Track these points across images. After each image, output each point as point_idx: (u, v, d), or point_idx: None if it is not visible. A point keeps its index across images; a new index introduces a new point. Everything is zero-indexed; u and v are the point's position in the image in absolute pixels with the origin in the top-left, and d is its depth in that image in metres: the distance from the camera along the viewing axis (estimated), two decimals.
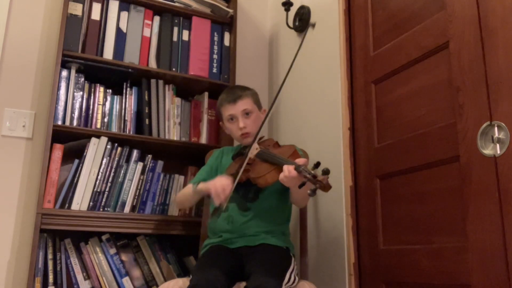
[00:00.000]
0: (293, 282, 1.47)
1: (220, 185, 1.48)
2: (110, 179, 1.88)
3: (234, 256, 1.54)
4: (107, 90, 1.99)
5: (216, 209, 1.53)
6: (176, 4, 2.17)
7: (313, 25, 1.61)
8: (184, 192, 1.76)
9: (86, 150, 1.86)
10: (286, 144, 1.77)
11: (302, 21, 2.18)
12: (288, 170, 1.39)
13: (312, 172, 1.33)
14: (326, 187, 1.31)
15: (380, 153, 1.65)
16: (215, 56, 2.20)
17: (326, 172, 1.32)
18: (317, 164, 1.36)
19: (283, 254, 1.56)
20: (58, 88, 1.87)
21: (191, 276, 1.46)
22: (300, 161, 1.41)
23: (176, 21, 2.17)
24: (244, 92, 1.74)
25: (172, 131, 2.07)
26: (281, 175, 1.41)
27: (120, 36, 2.03)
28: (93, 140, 1.88)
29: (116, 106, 1.99)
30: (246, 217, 1.62)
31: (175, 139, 2.06)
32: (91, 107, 1.94)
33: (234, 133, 1.73)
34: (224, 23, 2.26)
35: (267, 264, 1.44)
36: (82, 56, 1.92)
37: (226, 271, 1.42)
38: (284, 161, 1.47)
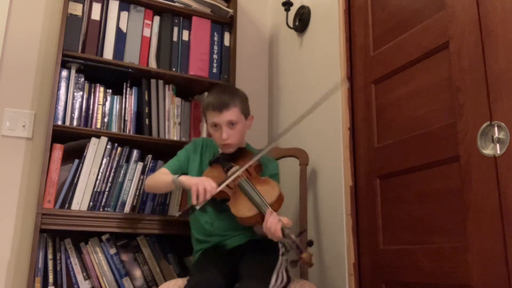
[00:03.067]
0: (282, 280, 1.43)
1: (204, 187, 1.48)
2: (110, 179, 1.88)
3: (229, 257, 1.55)
4: (107, 90, 1.99)
5: (191, 208, 1.50)
6: (176, 4, 2.17)
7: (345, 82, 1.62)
8: (159, 179, 1.71)
9: (86, 150, 1.86)
10: (286, 145, 1.77)
11: (302, 21, 2.18)
12: (274, 229, 1.38)
13: (296, 241, 1.33)
14: (308, 264, 1.31)
15: (380, 153, 1.65)
16: (215, 56, 2.20)
17: (310, 244, 1.34)
18: (301, 233, 1.38)
19: (271, 248, 1.53)
20: (58, 88, 1.87)
21: (188, 277, 1.46)
22: (284, 219, 1.40)
23: (176, 21, 2.17)
24: (232, 100, 1.63)
25: (172, 131, 2.07)
26: (265, 226, 1.40)
27: (120, 36, 2.03)
28: (93, 140, 1.88)
29: (116, 106, 1.99)
30: (223, 218, 1.62)
31: (175, 139, 2.06)
32: (91, 107, 1.94)
33: (216, 139, 1.68)
34: (224, 23, 2.26)
35: (255, 265, 1.45)
36: (82, 56, 1.92)
37: (224, 272, 1.43)
38: (266, 208, 1.45)
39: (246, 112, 1.71)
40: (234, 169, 1.60)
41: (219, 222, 1.63)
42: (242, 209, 1.51)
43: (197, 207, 1.49)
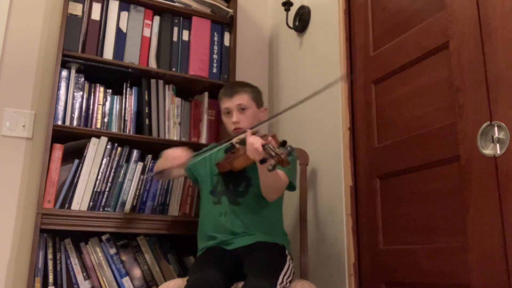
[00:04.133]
0: (285, 285, 1.44)
1: (178, 152, 1.60)
2: (110, 179, 1.88)
3: (231, 257, 1.54)
4: (107, 90, 1.99)
5: (160, 171, 1.59)
6: (176, 4, 2.17)
7: (343, 78, 1.62)
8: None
9: (86, 150, 1.86)
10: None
11: (302, 21, 2.18)
12: (255, 141, 1.39)
13: (277, 149, 1.34)
14: (283, 162, 1.32)
15: (380, 153, 1.65)
16: (215, 56, 2.20)
17: (287, 147, 1.33)
18: (283, 143, 1.38)
19: (278, 252, 1.56)
20: (58, 88, 1.87)
21: (188, 276, 1.46)
22: (269, 140, 1.40)
23: (176, 21, 2.17)
24: (243, 88, 1.74)
25: (172, 131, 2.07)
26: (247, 145, 1.42)
27: (120, 36, 2.03)
28: (93, 140, 1.88)
29: (116, 106, 1.99)
30: (237, 211, 1.62)
31: (175, 139, 2.06)
32: (91, 107, 1.94)
33: (228, 127, 1.74)
34: (224, 23, 2.26)
35: (262, 264, 1.44)
36: (82, 56, 1.92)
37: (223, 271, 1.43)
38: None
39: (258, 101, 1.77)
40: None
41: (233, 214, 1.62)
42: (238, 154, 1.55)
43: (165, 173, 1.61)
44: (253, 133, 1.51)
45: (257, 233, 1.59)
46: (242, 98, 1.71)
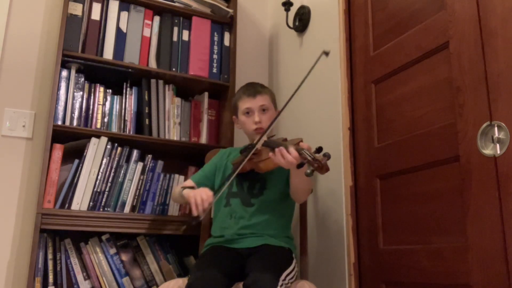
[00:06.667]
0: (287, 284, 1.44)
1: (200, 197, 1.51)
2: (110, 179, 1.88)
3: (235, 257, 1.54)
4: (107, 90, 1.99)
5: (193, 218, 1.54)
6: (176, 4, 2.17)
7: (327, 53, 1.63)
8: (176, 190, 1.79)
9: (86, 150, 1.86)
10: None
11: (302, 21, 2.18)
12: (289, 151, 1.41)
13: (314, 155, 1.35)
14: (323, 168, 1.33)
15: (380, 153, 1.65)
16: (215, 56, 2.20)
17: (326, 155, 1.34)
18: (319, 149, 1.40)
19: (285, 254, 1.56)
20: (58, 88, 1.87)
21: (189, 275, 1.46)
22: (303, 145, 1.43)
23: (176, 21, 2.17)
24: (264, 89, 1.79)
25: (172, 131, 2.07)
26: (284, 157, 1.43)
27: (120, 36, 2.03)
28: (93, 140, 1.88)
29: (116, 106, 1.99)
30: (248, 212, 1.63)
31: (175, 139, 2.06)
32: (91, 107, 1.94)
33: (248, 127, 1.74)
34: (224, 23, 2.26)
35: (266, 261, 1.44)
36: (82, 56, 1.92)
37: (225, 271, 1.42)
38: (288, 145, 1.47)
39: (275, 103, 1.83)
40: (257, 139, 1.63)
41: (243, 215, 1.62)
42: (263, 155, 1.55)
43: (200, 218, 1.52)
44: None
45: (264, 235, 1.59)
46: (265, 99, 1.75)
